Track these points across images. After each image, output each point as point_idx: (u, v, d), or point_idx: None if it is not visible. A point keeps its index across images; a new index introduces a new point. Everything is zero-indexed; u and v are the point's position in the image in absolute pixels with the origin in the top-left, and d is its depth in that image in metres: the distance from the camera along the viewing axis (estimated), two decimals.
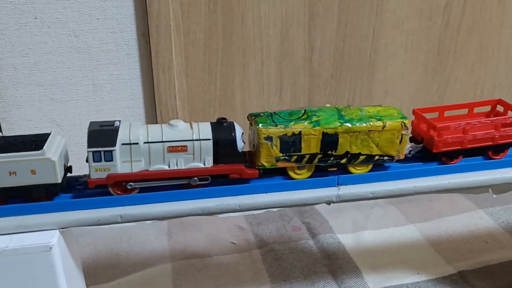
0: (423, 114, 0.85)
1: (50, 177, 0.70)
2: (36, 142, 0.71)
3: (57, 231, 0.70)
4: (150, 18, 1.05)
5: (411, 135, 0.87)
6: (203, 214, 0.74)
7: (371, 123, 0.76)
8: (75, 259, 0.81)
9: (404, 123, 0.77)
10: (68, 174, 0.76)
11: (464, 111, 0.91)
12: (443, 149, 0.81)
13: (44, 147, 0.69)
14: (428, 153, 0.83)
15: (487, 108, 0.92)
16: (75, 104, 1.11)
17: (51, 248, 0.68)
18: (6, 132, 1.08)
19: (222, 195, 0.75)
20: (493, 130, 0.82)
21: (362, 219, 1.29)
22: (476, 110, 0.91)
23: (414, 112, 0.87)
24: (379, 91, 1.34)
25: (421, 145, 0.86)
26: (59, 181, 0.71)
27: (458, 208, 1.33)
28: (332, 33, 1.24)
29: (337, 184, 0.78)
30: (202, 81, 1.20)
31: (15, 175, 0.69)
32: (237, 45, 1.19)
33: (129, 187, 0.73)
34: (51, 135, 0.73)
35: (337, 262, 1.11)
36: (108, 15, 1.05)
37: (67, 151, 0.76)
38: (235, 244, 1.19)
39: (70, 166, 0.76)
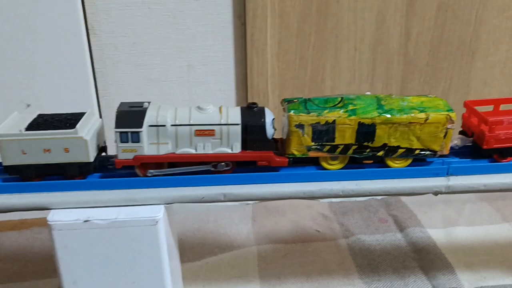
0: (475, 107, 0.78)
1: (82, 155, 0.71)
2: (71, 121, 0.72)
3: (163, 206, 0.72)
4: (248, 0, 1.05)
5: (461, 129, 0.81)
6: (305, 197, 0.73)
7: (412, 115, 0.71)
8: (174, 235, 0.82)
9: (450, 116, 0.71)
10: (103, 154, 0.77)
11: None
12: (494, 146, 0.74)
13: (77, 126, 0.69)
14: (478, 149, 0.76)
15: None
16: (170, 85, 1.13)
17: (157, 222, 0.70)
18: (105, 109, 1.12)
19: (324, 179, 0.74)
20: None
21: (453, 214, 1.23)
22: None
23: (465, 104, 0.80)
24: (477, 81, 1.27)
25: (470, 138, 0.79)
26: (91, 160, 0.71)
27: None
28: (431, 19, 1.18)
29: (447, 174, 0.74)
30: (293, 66, 1.18)
31: (50, 152, 0.70)
32: (331, 29, 1.16)
33: (148, 175, 0.72)
34: (86, 114, 0.74)
35: (428, 257, 1.06)
36: None
37: (102, 130, 0.76)
38: (319, 232, 1.17)
39: (105, 146, 0.77)
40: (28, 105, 1.08)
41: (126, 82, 1.11)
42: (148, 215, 0.70)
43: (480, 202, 1.28)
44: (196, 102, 0.75)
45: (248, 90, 1.14)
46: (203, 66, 1.12)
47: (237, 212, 1.24)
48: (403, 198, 1.30)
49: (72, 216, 0.69)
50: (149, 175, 0.72)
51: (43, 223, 1.16)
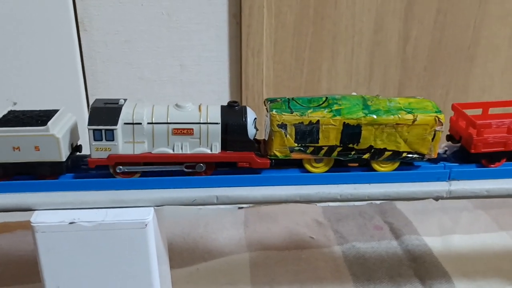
0: (464, 110, 0.75)
1: (54, 154, 0.67)
2: (43, 118, 0.68)
3: (152, 208, 0.68)
4: None
5: (448, 133, 0.78)
6: (301, 201, 0.70)
7: (399, 116, 0.68)
8: (163, 239, 0.79)
9: (438, 118, 0.68)
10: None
11: None
12: (482, 150, 0.72)
13: (49, 124, 0.66)
14: (466, 153, 0.74)
15: None
16: (162, 85, 1.10)
17: (146, 225, 0.66)
18: None
19: (321, 182, 0.71)
20: None
21: (449, 222, 1.21)
22: None
23: (453, 107, 0.78)
24: (475, 88, 1.25)
25: (458, 144, 0.76)
26: (63, 159, 0.68)
27: None
28: (430, 23, 1.16)
29: (449, 179, 0.71)
30: (288, 67, 1.16)
31: (19, 150, 0.67)
32: (328, 31, 1.14)
33: (118, 171, 0.68)
34: (59, 111, 0.70)
35: (424, 265, 1.04)
36: None
37: (76, 129, 0.73)
38: (313, 238, 1.14)
39: (80, 145, 0.74)
40: (15, 103, 1.04)
41: (117, 81, 1.08)
42: (137, 217, 0.67)
43: (476, 210, 1.26)
44: None
45: (243, 91, 1.11)
46: (196, 66, 1.09)
47: (228, 217, 1.21)
48: (399, 205, 1.27)
49: (57, 218, 0.66)
50: (119, 171, 0.69)
51: (27, 226, 1.11)
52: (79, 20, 1.02)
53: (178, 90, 1.11)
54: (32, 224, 0.65)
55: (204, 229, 1.16)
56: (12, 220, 1.14)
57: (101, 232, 0.66)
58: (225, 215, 1.21)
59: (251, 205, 1.22)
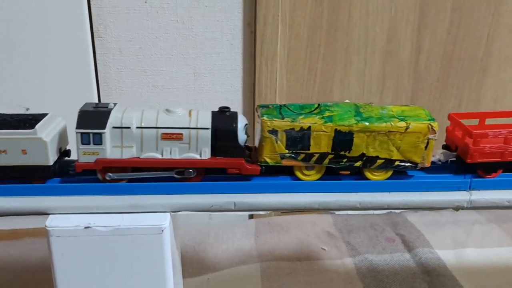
0: (460, 120, 0.74)
1: (41, 158, 0.66)
2: (32, 121, 0.67)
3: (169, 214, 0.67)
4: (259, 6, 1.02)
5: (444, 143, 0.77)
6: (320, 208, 0.69)
7: (392, 123, 0.66)
8: (178, 247, 0.78)
9: (432, 126, 0.67)
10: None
11: (511, 120, 0.78)
12: (478, 160, 0.70)
13: (37, 127, 0.65)
14: (462, 163, 0.72)
15: None
16: (175, 93, 1.09)
17: (162, 231, 0.65)
18: None
19: (341, 190, 0.70)
20: None
21: (462, 235, 1.19)
22: None
23: (449, 116, 0.76)
24: (488, 99, 1.25)
25: (454, 153, 0.74)
26: (51, 163, 0.66)
27: None
28: (443, 34, 1.16)
29: (469, 188, 0.70)
30: (301, 77, 1.15)
31: (6, 153, 0.65)
32: (341, 41, 1.14)
33: (107, 178, 0.67)
34: (48, 115, 0.69)
35: (438, 279, 1.02)
36: (216, 3, 1.03)
37: (65, 133, 0.72)
38: (325, 250, 1.13)
39: (68, 150, 0.72)
40: (27, 109, 1.04)
41: (130, 88, 1.08)
42: (153, 223, 0.65)
43: (488, 224, 1.25)
44: None
45: (256, 101, 1.11)
46: (210, 74, 1.09)
47: (239, 227, 1.20)
48: (410, 217, 1.26)
49: (72, 222, 0.65)
50: (108, 178, 0.67)
51: (36, 233, 1.11)
52: (94, 27, 1.02)
53: (191, 98, 1.10)
54: (47, 228, 0.64)
55: (215, 239, 1.15)
56: (21, 227, 1.13)
57: (117, 237, 0.65)
58: (236, 225, 1.20)
59: (262, 213, 1.21)
